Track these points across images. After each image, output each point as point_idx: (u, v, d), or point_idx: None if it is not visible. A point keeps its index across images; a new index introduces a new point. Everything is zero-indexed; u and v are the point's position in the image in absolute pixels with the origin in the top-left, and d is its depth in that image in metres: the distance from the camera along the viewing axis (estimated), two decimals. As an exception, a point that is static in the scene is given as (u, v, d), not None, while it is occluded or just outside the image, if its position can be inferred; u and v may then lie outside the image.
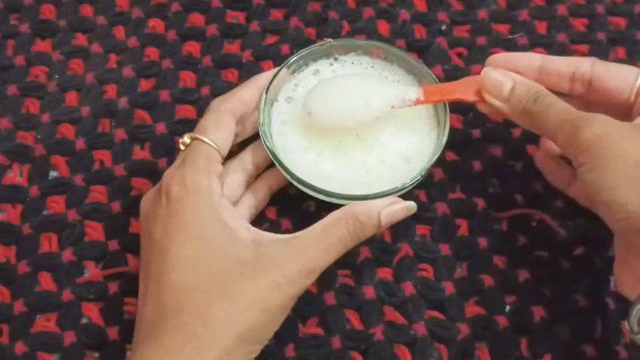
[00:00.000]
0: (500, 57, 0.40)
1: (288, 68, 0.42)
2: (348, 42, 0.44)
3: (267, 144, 0.39)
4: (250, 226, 0.37)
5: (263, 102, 0.40)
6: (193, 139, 0.38)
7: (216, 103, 0.40)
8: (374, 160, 0.40)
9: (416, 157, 0.40)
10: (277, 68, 0.42)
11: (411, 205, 0.38)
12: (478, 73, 0.47)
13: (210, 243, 0.35)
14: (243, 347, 0.34)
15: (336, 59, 0.43)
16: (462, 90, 0.40)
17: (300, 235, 0.36)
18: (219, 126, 0.39)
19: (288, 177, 0.39)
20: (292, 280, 0.34)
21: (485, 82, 0.39)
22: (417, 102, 0.40)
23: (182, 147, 0.38)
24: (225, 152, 0.39)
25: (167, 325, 0.34)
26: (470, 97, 0.40)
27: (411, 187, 0.39)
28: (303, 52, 0.42)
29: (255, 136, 0.41)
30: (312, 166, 0.40)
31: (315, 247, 0.36)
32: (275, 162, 0.39)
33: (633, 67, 0.38)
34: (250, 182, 0.42)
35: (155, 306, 0.34)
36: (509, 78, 0.38)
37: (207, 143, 0.38)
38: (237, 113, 0.40)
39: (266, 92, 0.41)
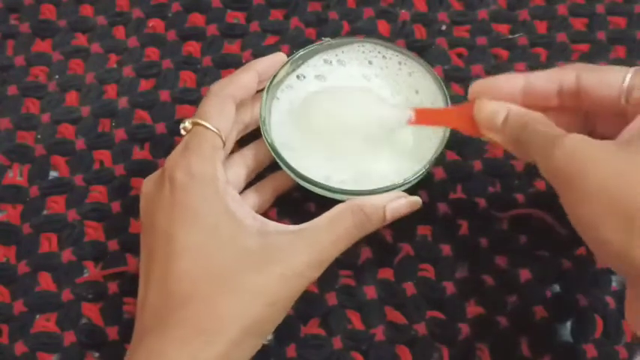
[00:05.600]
0: (482, 83, 0.37)
1: (289, 67, 0.42)
2: (346, 40, 0.44)
3: (269, 141, 0.39)
4: (256, 214, 0.37)
5: (264, 101, 0.40)
6: (195, 124, 0.38)
7: (216, 87, 0.39)
8: (376, 156, 0.40)
9: (419, 152, 0.40)
10: (274, 57, 0.42)
11: (416, 200, 0.38)
12: (478, 74, 0.48)
13: (217, 232, 0.35)
14: (248, 340, 0.34)
15: (334, 57, 0.43)
16: (458, 119, 0.39)
17: (307, 227, 0.36)
18: (220, 111, 0.38)
19: (291, 174, 0.39)
20: (300, 273, 0.34)
21: (479, 115, 0.37)
22: (411, 123, 0.40)
23: (183, 132, 0.38)
24: (226, 138, 0.38)
25: (175, 315, 0.33)
26: (465, 128, 0.38)
27: (415, 181, 0.39)
28: (301, 51, 0.42)
29: (258, 133, 0.41)
30: (314, 162, 0.40)
31: (323, 239, 0.35)
32: (277, 159, 0.39)
33: (622, 67, 0.34)
34: (250, 178, 0.42)
35: (160, 294, 0.34)
36: (503, 108, 0.36)
37: (210, 129, 0.37)
38: (238, 98, 0.39)
39: (267, 91, 0.41)
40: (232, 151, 0.41)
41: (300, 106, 0.41)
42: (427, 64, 0.42)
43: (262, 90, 0.41)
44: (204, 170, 0.36)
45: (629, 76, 0.34)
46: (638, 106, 0.33)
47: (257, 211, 0.41)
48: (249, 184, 0.42)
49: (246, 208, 0.37)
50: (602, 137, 0.32)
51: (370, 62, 0.43)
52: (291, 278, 0.34)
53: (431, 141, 0.40)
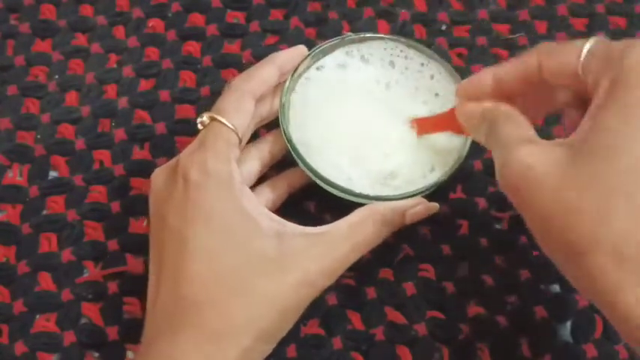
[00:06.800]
0: (462, 85, 0.37)
1: (309, 60, 0.42)
2: (369, 36, 0.43)
3: (288, 139, 0.39)
4: (272, 214, 0.36)
5: (283, 96, 0.40)
6: (212, 119, 0.37)
7: (236, 82, 0.39)
8: (396, 161, 0.40)
9: (439, 158, 0.40)
10: (294, 50, 0.42)
11: (433, 206, 0.38)
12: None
13: (232, 235, 0.34)
14: (259, 347, 0.34)
15: (356, 51, 0.43)
16: (450, 124, 0.38)
17: (326, 232, 0.35)
18: (239, 108, 0.37)
19: (312, 175, 0.39)
20: (311, 282, 0.34)
21: (460, 119, 0.36)
22: (419, 134, 0.40)
23: (200, 127, 0.37)
24: (242, 135, 0.38)
25: (187, 319, 0.33)
26: (459, 131, 0.38)
27: (435, 188, 0.39)
28: (322, 45, 0.42)
29: (273, 124, 0.41)
30: (333, 162, 0.39)
31: (342, 246, 0.35)
32: (297, 159, 0.39)
33: (581, 40, 0.32)
34: (263, 172, 0.41)
35: (172, 297, 0.34)
36: (477, 107, 0.35)
37: (227, 126, 0.37)
38: (258, 93, 0.39)
39: (287, 87, 0.40)
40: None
41: (321, 106, 0.41)
42: (449, 65, 0.42)
43: (282, 83, 0.41)
44: (219, 169, 0.35)
45: (581, 61, 0.31)
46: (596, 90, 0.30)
47: (270, 207, 0.39)
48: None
49: (261, 208, 0.36)
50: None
51: (392, 63, 0.43)
52: (306, 287, 0.34)
53: (452, 144, 0.40)
